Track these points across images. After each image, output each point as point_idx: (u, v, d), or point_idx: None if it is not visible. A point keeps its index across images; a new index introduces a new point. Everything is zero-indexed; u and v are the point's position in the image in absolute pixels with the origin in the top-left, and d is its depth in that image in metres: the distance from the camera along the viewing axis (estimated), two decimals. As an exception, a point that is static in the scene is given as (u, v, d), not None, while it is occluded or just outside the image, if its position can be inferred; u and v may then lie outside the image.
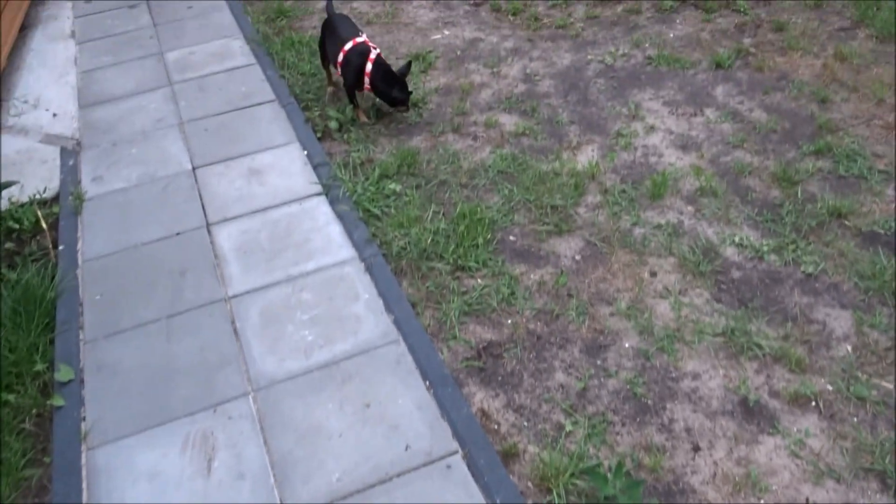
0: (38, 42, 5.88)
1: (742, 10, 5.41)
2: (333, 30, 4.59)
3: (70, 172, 4.32)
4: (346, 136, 4.49)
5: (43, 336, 3.26)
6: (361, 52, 4.38)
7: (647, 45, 5.18)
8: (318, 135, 4.49)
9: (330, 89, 4.86)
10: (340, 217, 3.80)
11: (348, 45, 4.39)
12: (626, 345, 3.09)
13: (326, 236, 3.70)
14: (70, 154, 4.49)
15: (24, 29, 5.99)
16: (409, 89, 4.48)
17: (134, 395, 2.99)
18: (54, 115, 4.92)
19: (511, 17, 5.73)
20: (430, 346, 3.09)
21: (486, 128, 4.49)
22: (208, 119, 4.71)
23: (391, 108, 4.61)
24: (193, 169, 4.26)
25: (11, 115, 4.95)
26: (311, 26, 5.70)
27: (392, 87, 4.40)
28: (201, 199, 4.02)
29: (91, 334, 3.26)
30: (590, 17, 5.61)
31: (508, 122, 4.53)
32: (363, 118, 4.60)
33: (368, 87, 4.43)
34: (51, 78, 5.37)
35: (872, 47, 4.84)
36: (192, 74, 5.23)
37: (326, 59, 4.74)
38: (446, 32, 5.64)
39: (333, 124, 4.52)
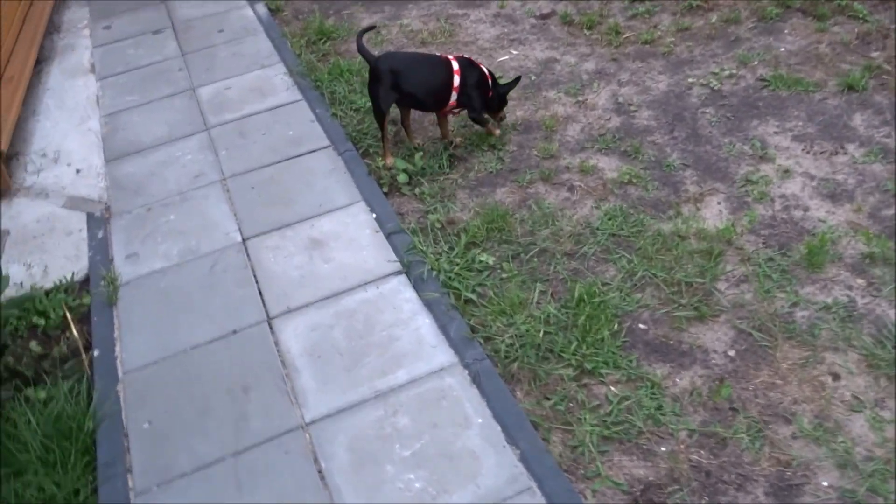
0: (54, 78, 5.23)
1: (861, 16, 4.64)
2: (401, 66, 3.76)
3: (100, 248, 3.68)
4: (416, 190, 3.82)
5: (83, 480, 2.65)
6: (471, 63, 3.84)
7: (755, 62, 4.44)
8: (384, 189, 3.83)
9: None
10: (429, 306, 3.13)
11: (455, 65, 3.77)
12: (825, 483, 2.41)
13: (415, 333, 3.03)
14: (98, 223, 3.85)
15: (39, 63, 5.34)
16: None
17: (202, 574, 2.36)
18: (77, 171, 4.28)
19: (586, 32, 5.00)
20: (575, 495, 2.43)
21: (581, 174, 3.80)
22: (254, 173, 4.05)
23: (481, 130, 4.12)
24: (244, 240, 3.60)
25: (30, 173, 4.31)
26: (359, 50, 5.01)
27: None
28: (257, 283, 3.36)
29: (142, 482, 2.62)
30: (680, 28, 4.88)
31: (608, 166, 3.83)
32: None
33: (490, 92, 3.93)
34: (71, 123, 4.72)
35: None
36: (230, 115, 4.57)
37: (384, 110, 3.82)
38: (514, 52, 4.93)
39: (402, 177, 3.84)
